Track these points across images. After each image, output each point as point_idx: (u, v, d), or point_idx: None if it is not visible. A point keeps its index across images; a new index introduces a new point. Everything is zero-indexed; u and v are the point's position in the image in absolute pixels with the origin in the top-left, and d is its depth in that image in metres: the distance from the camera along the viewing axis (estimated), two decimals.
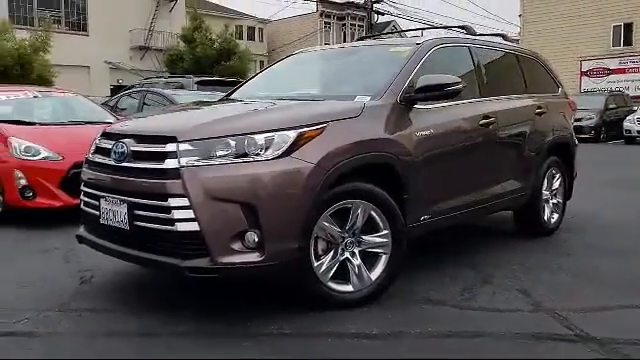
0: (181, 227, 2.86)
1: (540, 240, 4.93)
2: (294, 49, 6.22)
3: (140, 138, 3.14)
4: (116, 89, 23.22)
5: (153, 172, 2.97)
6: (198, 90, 10.49)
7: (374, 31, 25.75)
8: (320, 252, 3.18)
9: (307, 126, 3.06)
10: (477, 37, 4.73)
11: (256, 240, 2.88)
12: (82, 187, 3.48)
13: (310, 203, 2.96)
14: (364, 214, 3.26)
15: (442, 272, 3.95)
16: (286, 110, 3.44)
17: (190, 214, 2.83)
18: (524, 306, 3.33)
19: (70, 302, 3.39)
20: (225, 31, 26.17)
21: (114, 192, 3.15)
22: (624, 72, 27.21)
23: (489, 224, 5.51)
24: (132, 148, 3.10)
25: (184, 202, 2.84)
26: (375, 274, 3.32)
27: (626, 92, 23.81)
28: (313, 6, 42.05)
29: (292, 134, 2.98)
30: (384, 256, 3.35)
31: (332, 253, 3.20)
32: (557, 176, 5.21)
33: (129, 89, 11.62)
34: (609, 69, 27.54)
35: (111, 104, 10.25)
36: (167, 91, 9.36)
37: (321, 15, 43.24)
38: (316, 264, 3.14)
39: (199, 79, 11.51)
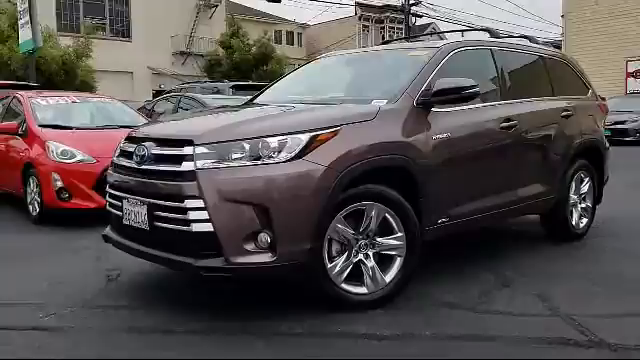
0: (196, 228, 2.95)
1: (568, 245, 4.85)
2: None
3: (160, 141, 3.26)
4: (157, 94, 23.79)
5: (171, 174, 3.08)
6: (233, 94, 10.69)
7: (412, 33, 25.64)
8: (334, 254, 3.23)
9: (320, 129, 3.11)
10: (501, 40, 4.70)
11: (268, 241, 2.95)
12: (107, 188, 3.63)
13: (322, 205, 3.01)
14: (378, 216, 3.29)
15: (461, 275, 3.94)
16: (300, 114, 3.51)
17: (205, 215, 2.92)
18: (540, 311, 3.30)
19: (95, 299, 3.54)
20: (262, 36, 26.51)
21: (135, 193, 3.28)
22: None
23: (518, 228, 5.46)
24: (152, 151, 3.22)
25: (199, 203, 2.93)
26: (390, 276, 3.35)
27: None
28: (352, 10, 42.21)
29: (305, 137, 3.05)
30: (399, 258, 3.37)
31: (346, 255, 3.24)
32: (586, 180, 5.10)
33: (166, 94, 11.92)
34: None
35: (148, 108, 10.56)
36: (200, 95, 9.60)
37: (359, 18, 43.28)
38: (329, 265, 3.18)
39: (234, 84, 11.74)
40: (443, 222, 3.70)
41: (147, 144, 3.27)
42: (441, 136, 3.64)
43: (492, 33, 4.74)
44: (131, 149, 3.40)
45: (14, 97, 7.18)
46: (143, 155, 3.25)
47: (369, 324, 3.06)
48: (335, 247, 3.24)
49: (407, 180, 3.44)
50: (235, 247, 2.93)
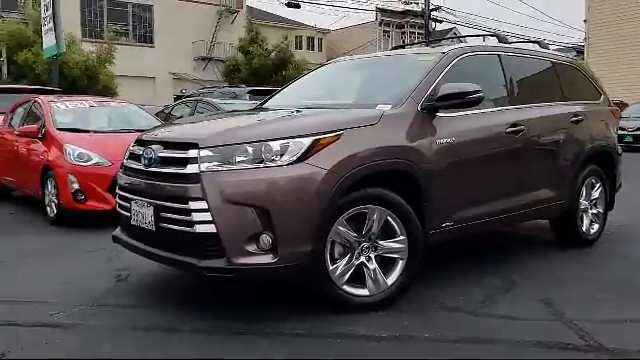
0: (200, 229, 3.02)
1: (578, 251, 4.82)
2: None
3: (166, 144, 3.34)
4: (179, 99, 24.10)
5: (176, 176, 3.16)
6: (250, 99, 10.79)
7: (432, 38, 25.60)
8: (336, 256, 3.27)
9: (322, 133, 3.16)
10: (509, 45, 4.70)
11: (270, 242, 3.00)
12: (117, 190, 3.72)
13: (323, 208, 3.06)
14: (380, 219, 3.33)
15: (467, 279, 3.96)
16: (303, 118, 3.56)
17: (208, 217, 2.99)
18: (543, 315, 3.30)
19: (104, 298, 3.63)
20: (281, 42, 26.70)
21: (143, 195, 3.37)
22: None
23: (527, 233, 5.44)
24: (159, 154, 3.30)
25: (203, 205, 3.00)
26: (392, 279, 3.38)
27: None
28: (372, 15, 42.23)
29: (306, 141, 3.10)
30: (401, 261, 3.40)
31: (348, 257, 3.28)
32: (597, 185, 5.07)
33: (185, 98, 12.11)
34: None
35: (166, 112, 10.73)
36: (215, 100, 9.75)
37: (380, 24, 43.29)
38: (331, 267, 3.23)
39: (251, 89, 11.86)
40: (447, 226, 3.72)
41: (154, 147, 3.36)
42: (445, 141, 3.66)
43: (500, 38, 4.75)
44: (139, 152, 3.48)
45: (35, 101, 7.36)
46: (150, 158, 3.33)
47: (369, 325, 3.10)
48: (337, 249, 3.28)
49: (410, 184, 3.47)
50: (237, 248, 2.99)
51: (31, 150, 6.78)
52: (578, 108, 4.92)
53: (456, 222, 3.77)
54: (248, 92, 11.41)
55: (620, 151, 5.49)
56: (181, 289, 3.88)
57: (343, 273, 3.26)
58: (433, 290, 3.69)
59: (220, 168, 3.04)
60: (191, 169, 3.08)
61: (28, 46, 17.30)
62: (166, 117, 10.17)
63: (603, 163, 5.11)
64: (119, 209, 3.71)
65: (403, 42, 40.04)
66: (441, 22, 27.92)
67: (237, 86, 13.55)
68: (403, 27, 43.98)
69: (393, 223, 3.36)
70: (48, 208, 6.27)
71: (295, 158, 3.06)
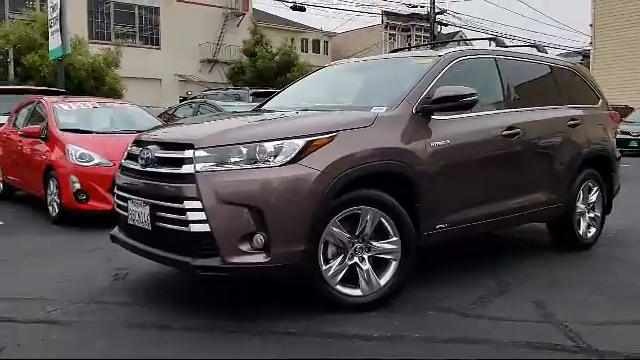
0: (194, 228, 3.07)
1: (576, 254, 4.83)
2: None
3: (163, 145, 3.40)
4: (184, 100, 24.22)
5: (172, 176, 3.20)
6: (253, 102, 10.86)
7: (437, 41, 25.61)
8: (330, 256, 3.31)
9: (316, 135, 3.20)
10: (506, 48, 4.73)
11: (263, 242, 3.04)
12: (115, 190, 3.77)
13: (316, 208, 3.09)
14: (374, 221, 3.36)
15: (462, 281, 3.98)
16: (297, 119, 3.61)
17: (203, 216, 3.03)
18: (534, 317, 3.32)
19: (101, 296, 3.68)
20: (285, 44, 26.81)
21: (139, 195, 3.42)
22: None
23: (525, 236, 5.47)
24: (155, 154, 3.35)
25: (198, 205, 3.05)
26: (384, 279, 3.41)
27: None
28: (378, 19, 42.31)
29: (300, 142, 3.14)
30: (394, 262, 3.44)
31: (341, 258, 3.32)
32: (594, 189, 5.09)
33: (189, 100, 12.20)
34: None
35: (170, 113, 10.82)
36: (218, 102, 9.83)
37: (386, 27, 43.38)
38: (325, 267, 3.26)
39: (255, 91, 11.94)
40: (442, 228, 3.75)
41: (151, 147, 3.41)
42: (440, 143, 3.69)
43: (498, 42, 4.78)
44: (137, 152, 3.54)
45: (39, 102, 7.44)
46: (147, 158, 3.38)
47: (361, 325, 3.13)
48: (331, 250, 3.31)
49: (404, 185, 3.51)
50: (231, 247, 3.04)
51: (34, 150, 6.85)
52: (575, 112, 4.94)
53: (450, 224, 3.80)
54: (251, 94, 11.49)
55: (619, 155, 5.50)
56: (177, 288, 3.92)
57: (336, 273, 3.30)
58: (427, 291, 3.72)
59: (215, 168, 3.09)
60: (186, 169, 3.13)
61: (35, 48, 17.45)
62: (169, 118, 10.27)
63: (601, 167, 5.12)
64: (117, 208, 3.77)
65: (409, 45, 40.09)
66: (446, 25, 28.00)
67: (241, 88, 13.64)
68: (409, 30, 44.06)
69: (386, 224, 3.40)
70: (50, 207, 6.34)
71: (289, 159, 3.10)
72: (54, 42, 13.49)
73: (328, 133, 3.25)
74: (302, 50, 39.72)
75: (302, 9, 26.80)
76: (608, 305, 3.57)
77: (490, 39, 4.91)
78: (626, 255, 4.87)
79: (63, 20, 12.81)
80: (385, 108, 3.64)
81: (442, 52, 4.16)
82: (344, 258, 3.33)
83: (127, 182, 3.59)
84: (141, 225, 3.39)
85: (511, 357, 2.77)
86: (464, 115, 3.90)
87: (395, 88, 3.92)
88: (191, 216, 3.07)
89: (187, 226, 3.09)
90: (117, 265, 4.39)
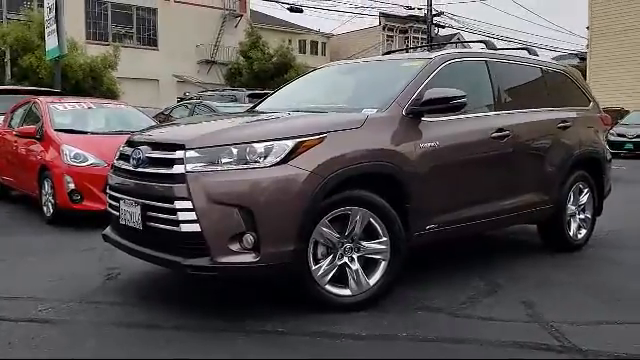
0: (185, 228, 3.09)
1: (567, 255, 4.87)
2: None
3: (154, 145, 3.42)
4: (181, 101, 24.23)
5: (163, 177, 3.23)
6: (249, 103, 10.90)
7: (434, 43, 25.67)
8: (320, 256, 3.34)
9: (306, 136, 3.23)
10: (497, 51, 4.77)
11: (253, 242, 3.07)
12: (107, 190, 3.80)
13: (305, 209, 3.12)
14: (363, 221, 3.39)
15: (453, 281, 4.01)
16: (287, 121, 3.64)
17: (193, 216, 3.06)
18: (521, 317, 3.35)
19: (92, 295, 3.70)
20: (282, 46, 26.86)
21: (131, 195, 3.44)
22: None
23: (517, 237, 5.51)
24: (147, 154, 3.38)
25: (188, 205, 3.07)
26: (374, 279, 3.44)
27: None
28: (376, 20, 42.39)
29: (290, 143, 3.17)
30: (383, 262, 3.47)
31: (331, 258, 3.35)
32: (585, 191, 5.13)
33: (186, 101, 12.24)
34: None
35: (165, 114, 10.86)
36: (213, 103, 9.88)
37: (384, 29, 43.46)
38: (314, 267, 3.29)
39: (251, 92, 11.97)
40: (432, 228, 3.78)
41: (143, 148, 3.44)
42: (429, 144, 3.72)
43: (488, 45, 4.82)
44: (129, 153, 3.56)
45: (34, 102, 7.46)
46: (139, 158, 3.41)
47: (350, 325, 3.16)
48: (321, 250, 3.34)
49: (394, 186, 3.54)
50: (221, 247, 3.06)
51: (29, 150, 6.87)
52: (566, 114, 4.98)
53: (440, 224, 3.83)
54: (247, 95, 11.52)
55: (609, 157, 5.54)
56: (169, 288, 3.95)
57: (326, 273, 3.33)
58: (418, 291, 3.76)
59: (205, 169, 3.12)
60: (177, 169, 3.15)
61: (32, 50, 17.45)
62: (165, 118, 10.30)
63: (591, 169, 5.16)
64: (109, 208, 3.79)
65: (407, 47, 40.18)
66: (444, 27, 28.04)
67: (237, 89, 13.68)
68: (406, 32, 44.15)
69: (376, 225, 3.43)
70: (45, 208, 6.36)
71: (278, 160, 3.13)
72: (51, 42, 13.52)
73: (318, 134, 3.28)
74: (300, 51, 39.76)
75: (300, 10, 26.86)
76: (596, 306, 3.60)
77: (481, 42, 4.95)
78: (617, 256, 4.91)
79: (60, 21, 12.84)
80: (375, 110, 3.68)
81: (432, 55, 4.20)
82: (334, 258, 3.36)
83: (119, 182, 3.62)
84: (132, 225, 3.41)
85: (496, 356, 2.80)
86: (454, 117, 3.93)
87: (386, 90, 3.95)
88: (182, 216, 3.09)
89: (178, 226, 3.12)
90: (110, 265, 4.42)
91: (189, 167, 3.13)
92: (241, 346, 2.90)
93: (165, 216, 3.18)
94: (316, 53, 43.14)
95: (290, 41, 29.37)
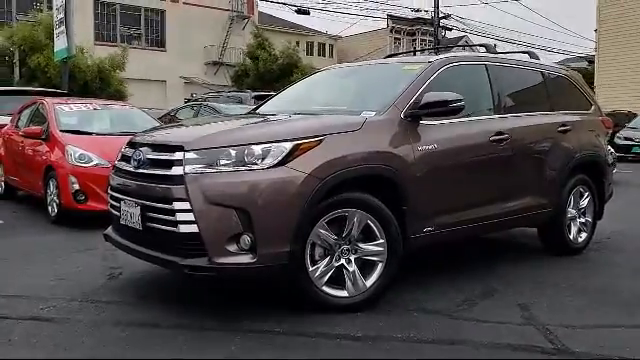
0: (183, 228, 3.14)
1: (567, 258, 4.88)
2: None
3: (155, 147, 3.48)
4: (188, 102, 24.32)
5: (162, 178, 3.28)
6: (255, 104, 10.96)
7: (441, 46, 25.69)
8: (317, 257, 3.37)
9: (304, 138, 3.27)
10: (497, 55, 4.79)
11: (250, 243, 3.11)
12: (109, 191, 3.85)
13: (302, 210, 3.16)
14: (360, 223, 3.42)
15: (450, 283, 4.04)
16: (286, 123, 3.68)
17: (191, 217, 3.10)
18: (516, 319, 3.37)
19: (93, 294, 3.75)
20: (288, 47, 26.94)
21: (131, 195, 3.49)
22: None
23: (519, 240, 5.53)
24: (147, 156, 3.43)
25: (186, 206, 3.12)
26: (371, 281, 3.47)
27: None
28: (384, 23, 42.42)
29: (288, 145, 3.21)
30: (380, 264, 3.50)
31: (328, 259, 3.38)
32: (585, 195, 5.13)
33: (192, 102, 12.33)
34: None
35: (172, 114, 10.95)
36: (217, 104, 9.95)
37: (391, 31, 43.47)
38: (311, 269, 3.33)
39: (256, 94, 12.03)
40: (429, 231, 3.81)
41: (143, 149, 3.49)
42: (427, 147, 3.75)
43: (488, 49, 4.84)
44: (130, 154, 3.61)
45: (41, 103, 7.54)
46: (139, 159, 3.46)
47: (346, 326, 3.19)
48: (318, 251, 3.38)
49: (391, 188, 3.57)
50: (218, 248, 3.10)
51: (35, 151, 6.95)
52: (566, 118, 4.99)
53: (438, 227, 3.85)
54: (253, 97, 11.58)
55: (611, 161, 5.55)
56: (169, 287, 4.00)
57: (323, 274, 3.36)
58: (415, 293, 3.79)
59: (204, 170, 3.16)
60: (176, 171, 3.20)
61: (40, 49, 17.60)
62: (171, 119, 10.38)
63: (592, 173, 5.17)
64: (110, 209, 3.84)
65: (414, 49, 40.16)
66: (450, 30, 28.04)
67: (243, 91, 13.76)
68: (414, 34, 44.15)
69: (373, 227, 3.46)
70: (50, 207, 6.43)
71: (276, 162, 3.17)
72: (59, 43, 13.62)
73: (316, 137, 3.31)
74: (308, 53, 39.86)
75: (307, 12, 26.94)
76: (593, 309, 3.61)
77: (482, 45, 4.97)
78: (618, 260, 4.92)
79: (69, 22, 12.93)
80: (374, 113, 3.71)
81: (432, 58, 4.23)
82: (331, 259, 3.39)
83: (120, 183, 3.67)
84: (132, 225, 3.46)
85: (488, 357, 2.83)
86: (453, 120, 3.96)
87: (385, 93, 3.98)
88: (180, 217, 3.14)
89: (176, 226, 3.16)
90: (112, 264, 4.47)
91: (188, 168, 3.17)
92: (238, 345, 2.93)
93: (164, 217, 3.23)
94: (324, 55, 43.21)
95: (298, 43, 29.43)
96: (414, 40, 44.47)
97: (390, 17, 41.16)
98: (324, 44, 43.70)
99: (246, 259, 3.12)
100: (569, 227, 4.98)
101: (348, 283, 3.42)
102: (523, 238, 5.55)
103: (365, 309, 3.42)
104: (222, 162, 3.18)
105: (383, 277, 3.49)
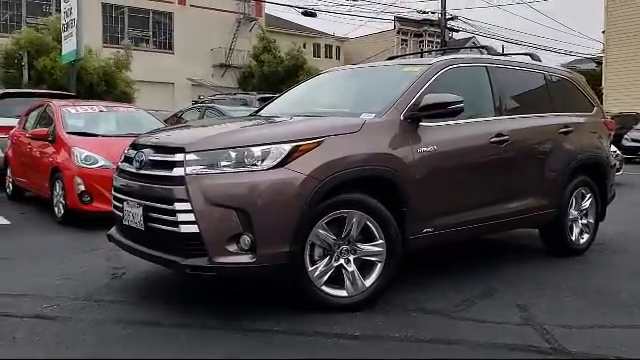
0: (184, 229, 3.19)
1: (569, 260, 4.89)
2: None
3: (156, 148, 3.53)
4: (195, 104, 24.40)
5: (164, 179, 3.33)
6: (259, 106, 11.02)
7: (448, 47, 25.68)
8: (316, 258, 3.41)
9: (303, 140, 3.31)
10: (498, 57, 4.81)
11: (249, 243, 3.15)
12: (112, 192, 3.91)
13: (301, 211, 3.20)
14: (359, 224, 3.46)
15: (450, 283, 4.06)
16: (286, 125, 3.73)
17: (192, 217, 3.16)
18: (514, 320, 3.39)
19: (97, 294, 3.81)
20: (293, 49, 27.00)
21: (134, 196, 3.55)
22: None
23: (520, 242, 5.54)
24: (149, 157, 3.49)
25: (187, 206, 3.17)
26: (370, 281, 3.51)
27: None
28: (390, 25, 42.41)
29: (287, 147, 3.25)
30: (379, 264, 3.53)
31: (327, 259, 3.42)
32: (587, 196, 5.14)
33: (198, 104, 12.42)
34: None
35: (178, 116, 11.07)
36: (222, 106, 10.04)
37: (398, 32, 43.45)
38: (311, 268, 3.36)
39: (261, 96, 12.08)
40: (428, 232, 3.83)
41: (145, 151, 3.55)
42: (426, 149, 3.78)
43: (489, 51, 4.87)
44: (132, 155, 3.67)
45: (48, 105, 7.63)
46: (141, 161, 3.52)
47: (345, 325, 3.22)
48: (318, 251, 3.41)
49: (390, 190, 3.60)
50: (218, 248, 3.15)
51: (42, 152, 7.04)
52: (568, 119, 5.00)
53: (437, 228, 3.88)
54: (258, 99, 11.62)
55: (613, 163, 5.55)
56: (172, 287, 4.05)
57: (322, 274, 3.40)
58: (415, 293, 3.81)
59: (205, 171, 3.21)
60: (177, 172, 3.25)
61: (47, 52, 17.75)
62: (177, 121, 10.48)
63: (594, 174, 5.17)
64: (114, 209, 3.90)
65: (421, 50, 40.13)
66: (458, 31, 28.00)
67: (248, 93, 13.85)
68: (421, 36, 44.11)
69: (372, 227, 3.49)
70: (56, 208, 6.51)
71: (275, 163, 3.21)
72: (68, 46, 13.72)
73: (315, 138, 3.35)
74: (315, 55, 39.91)
75: (313, 14, 27.01)
76: (592, 309, 3.62)
77: (483, 47, 4.99)
78: (619, 261, 4.92)
79: (79, 25, 13.02)
80: (374, 114, 3.74)
81: (432, 60, 4.26)
82: (330, 259, 3.43)
83: (123, 184, 3.72)
84: (135, 225, 3.52)
85: (485, 357, 2.85)
86: (453, 122, 3.99)
87: (385, 95, 4.01)
88: (181, 217, 3.19)
89: (177, 227, 3.21)
90: (116, 264, 4.53)
91: (189, 170, 3.22)
92: (237, 344, 2.98)
93: (165, 217, 3.28)
94: (330, 57, 43.26)
95: (305, 45, 29.51)
96: (421, 42, 44.42)
97: (397, 19, 41.13)
98: (331, 46, 43.75)
99: (246, 259, 3.16)
100: (571, 228, 4.99)
101: (347, 283, 3.45)
102: (525, 239, 5.56)
103: (364, 309, 3.46)
104: (222, 163, 3.23)
105: (382, 277, 3.53)
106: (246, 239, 3.16)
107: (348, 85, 4.80)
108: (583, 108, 5.36)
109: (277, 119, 3.92)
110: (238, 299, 3.75)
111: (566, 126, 4.92)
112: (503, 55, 5.05)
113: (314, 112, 4.23)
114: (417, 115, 3.78)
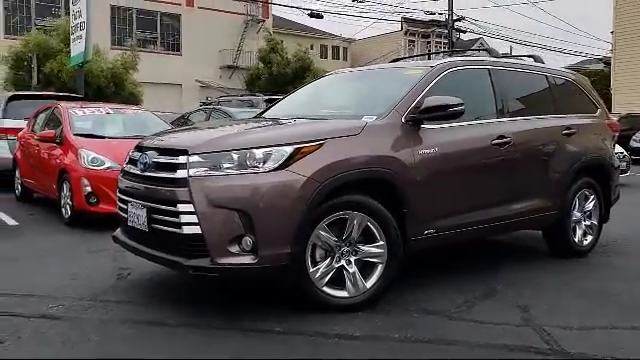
0: (187, 230, 3.23)
1: (572, 261, 4.90)
2: None
3: (160, 151, 3.58)
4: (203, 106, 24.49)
5: (167, 181, 3.38)
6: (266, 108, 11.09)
7: (457, 48, 25.66)
8: (318, 259, 3.45)
9: (304, 142, 3.35)
10: (500, 59, 4.83)
11: (251, 244, 3.19)
12: (117, 193, 3.96)
13: (302, 213, 3.24)
14: (360, 225, 3.49)
15: (452, 284, 4.08)
16: (288, 127, 3.77)
17: (194, 219, 3.20)
18: (515, 321, 3.41)
19: (102, 294, 3.86)
20: (299, 50, 27.06)
21: (138, 198, 3.60)
22: None
23: (523, 243, 5.55)
24: (153, 159, 3.54)
25: (190, 208, 3.22)
26: (370, 282, 3.54)
27: None
28: (398, 26, 42.40)
29: (289, 149, 3.29)
30: (380, 265, 3.56)
31: (328, 260, 3.46)
32: (591, 197, 5.15)
33: (204, 106, 12.51)
34: None
35: (185, 118, 11.16)
36: (228, 108, 10.12)
37: (405, 33, 43.44)
38: (312, 269, 3.40)
39: (268, 97, 12.15)
40: (430, 233, 3.86)
41: (150, 153, 3.60)
42: (428, 151, 3.81)
43: (491, 53, 4.89)
44: (137, 157, 3.72)
45: (56, 107, 7.72)
46: (146, 163, 3.57)
47: (345, 325, 3.25)
48: (319, 252, 3.45)
49: (391, 191, 3.63)
50: (220, 249, 3.19)
51: (50, 154, 7.12)
52: (571, 121, 5.01)
53: (439, 230, 3.91)
54: (265, 101, 11.68)
55: (617, 164, 5.55)
56: (177, 288, 4.09)
57: (323, 275, 3.43)
58: (416, 294, 3.84)
59: (207, 173, 3.25)
60: (180, 174, 3.30)
61: (53, 56, 17.88)
62: (184, 123, 10.57)
63: (597, 176, 5.18)
64: (118, 211, 3.96)
65: (429, 51, 40.06)
66: (465, 32, 27.99)
67: (254, 95, 13.92)
68: (428, 37, 44.08)
69: (373, 229, 3.53)
70: (63, 210, 6.59)
71: (277, 165, 3.25)
72: (76, 49, 13.82)
73: (316, 141, 3.39)
74: (322, 56, 39.98)
75: (319, 16, 27.07)
76: (592, 311, 3.64)
77: (485, 50, 5.00)
78: (622, 263, 4.93)
79: (88, 27, 13.12)
80: (375, 117, 3.78)
81: (434, 63, 4.29)
82: (331, 261, 3.46)
83: (128, 185, 3.78)
84: (139, 227, 3.57)
85: (483, 357, 2.87)
86: (454, 124, 4.02)
87: (386, 98, 4.04)
88: (184, 219, 3.24)
89: (180, 228, 3.26)
90: (122, 265, 4.59)
91: (192, 172, 3.26)
92: (239, 344, 3.02)
93: (168, 218, 3.33)
94: (337, 58, 43.32)
95: (312, 46, 29.56)
96: (428, 43, 44.39)
97: (404, 20, 41.12)
98: (338, 47, 43.81)
99: (248, 260, 3.21)
100: (574, 230, 5.00)
101: (348, 284, 3.49)
102: (529, 241, 5.57)
103: (365, 309, 3.49)
104: (225, 165, 3.27)
105: (383, 278, 3.56)
106: (248, 240, 3.20)
107: (352, 87, 4.84)
108: (587, 110, 5.36)
109: (280, 121, 3.95)
110: (240, 299, 3.80)
111: (569, 128, 4.93)
112: (505, 57, 5.06)
113: (317, 114, 4.27)
114: (418, 117, 3.81)
